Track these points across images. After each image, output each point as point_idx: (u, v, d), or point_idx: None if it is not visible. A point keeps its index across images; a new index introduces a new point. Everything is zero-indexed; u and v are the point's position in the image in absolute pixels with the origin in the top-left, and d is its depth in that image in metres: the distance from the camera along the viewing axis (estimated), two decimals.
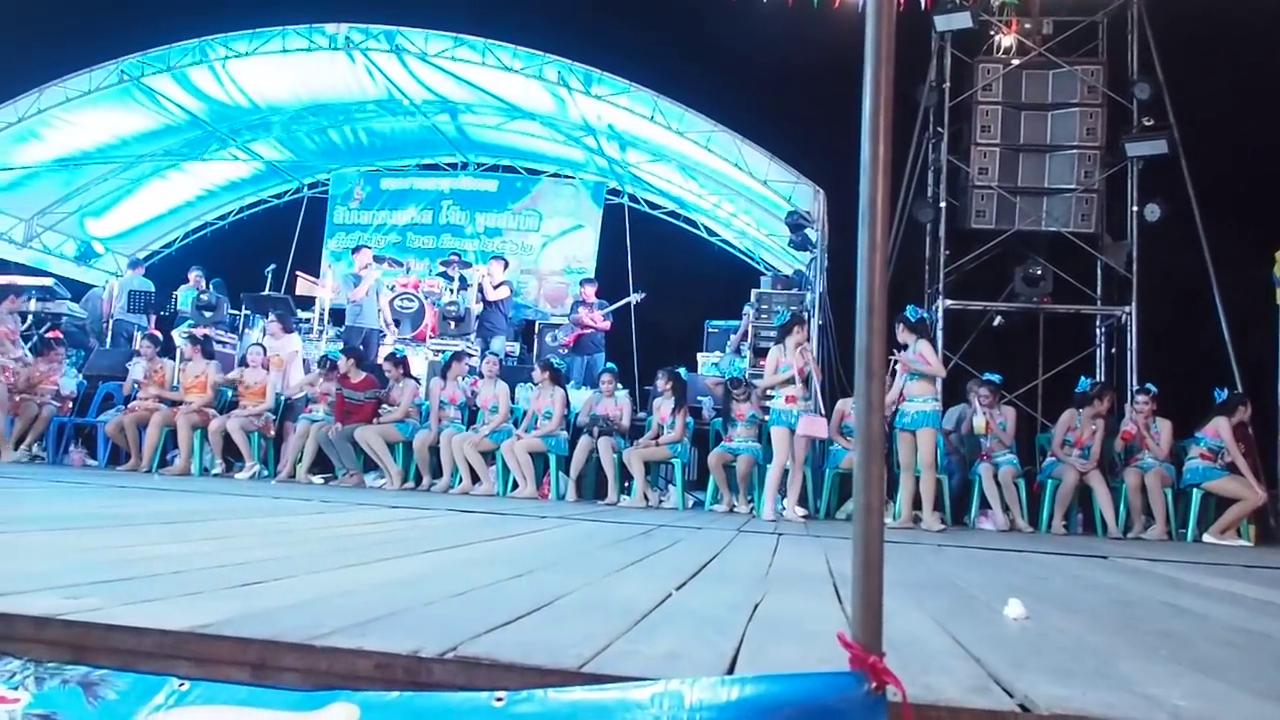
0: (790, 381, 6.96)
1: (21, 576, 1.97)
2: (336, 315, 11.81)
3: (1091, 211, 9.85)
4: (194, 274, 11.42)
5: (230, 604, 1.79)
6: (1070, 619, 2.50)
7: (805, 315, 7.52)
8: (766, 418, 8.60)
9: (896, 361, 6.87)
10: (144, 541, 2.92)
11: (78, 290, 12.07)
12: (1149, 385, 7.97)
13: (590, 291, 11.39)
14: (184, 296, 11.30)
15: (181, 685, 1.42)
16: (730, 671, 1.55)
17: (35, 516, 3.70)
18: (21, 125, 11.05)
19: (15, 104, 10.95)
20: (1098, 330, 10.57)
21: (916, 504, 6.97)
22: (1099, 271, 10.27)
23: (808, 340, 7.27)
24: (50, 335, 9.78)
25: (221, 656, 1.50)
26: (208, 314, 10.74)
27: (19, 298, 9.33)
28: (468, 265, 11.84)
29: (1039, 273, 9.71)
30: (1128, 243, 9.85)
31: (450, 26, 10.65)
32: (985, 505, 7.79)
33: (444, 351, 10.03)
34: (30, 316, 10.96)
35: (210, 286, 11.18)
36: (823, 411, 7.34)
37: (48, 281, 11.46)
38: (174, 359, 9.57)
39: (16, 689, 1.42)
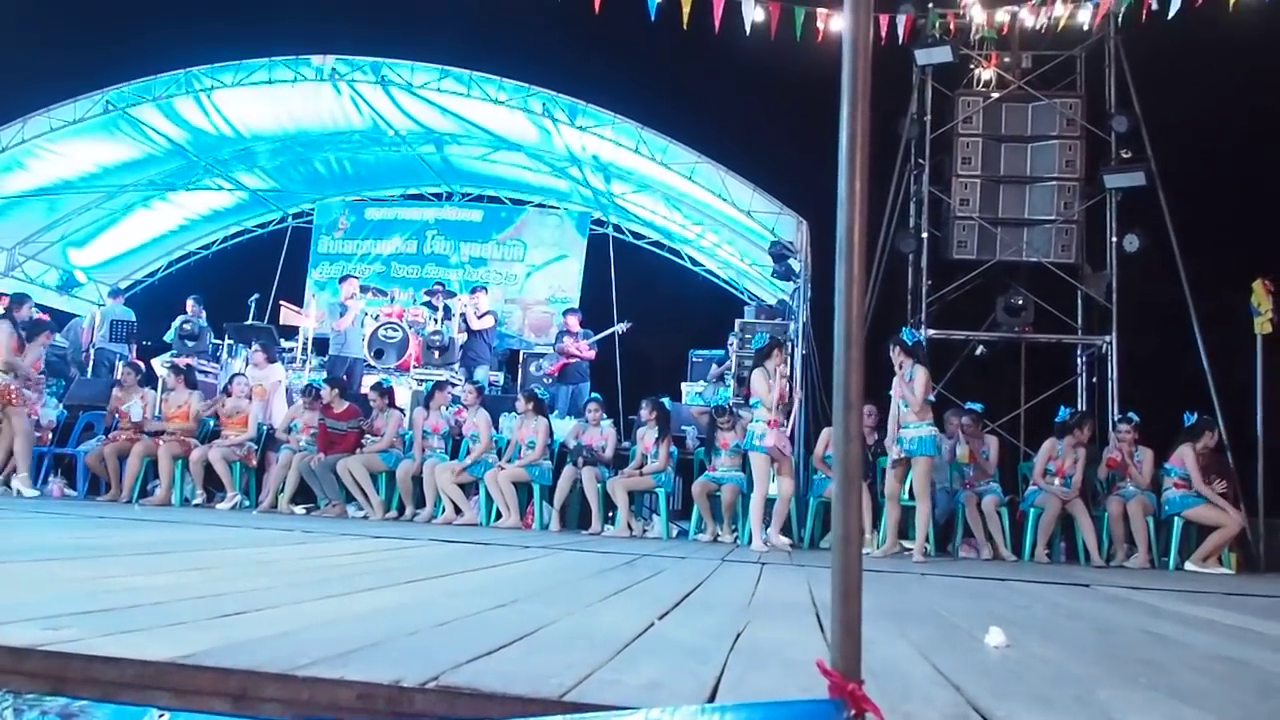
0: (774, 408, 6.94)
1: (0, 607, 1.95)
2: (320, 345, 11.79)
3: (1071, 242, 9.96)
4: (190, 303, 11.39)
5: (211, 634, 1.78)
6: (1051, 647, 2.51)
7: (783, 339, 7.48)
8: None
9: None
10: (124, 572, 2.90)
11: (60, 319, 12.00)
12: (1131, 415, 8.03)
13: (574, 321, 11.42)
14: (178, 325, 11.27)
15: (162, 716, 1.42)
16: (711, 700, 1.56)
17: (14, 547, 3.66)
18: (6, 154, 11.03)
19: (0, 133, 10.93)
20: (1079, 359, 10.64)
21: (903, 534, 6.98)
22: (1079, 301, 10.36)
23: (784, 364, 7.24)
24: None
25: (202, 687, 1.49)
26: (190, 343, 10.70)
27: (52, 333, 9.23)
28: (452, 295, 11.85)
29: (1020, 303, 9.79)
30: (1107, 273, 9.95)
31: (436, 59, 10.73)
32: (968, 534, 7.81)
33: (426, 381, 10.02)
34: None
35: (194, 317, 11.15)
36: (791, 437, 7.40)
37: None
38: (155, 388, 9.51)
39: None
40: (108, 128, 11.33)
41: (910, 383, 6.69)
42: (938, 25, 10.19)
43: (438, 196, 14.17)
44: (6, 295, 10.16)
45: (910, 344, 6.88)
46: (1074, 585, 5.07)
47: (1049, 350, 10.63)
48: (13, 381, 8.04)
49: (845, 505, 1.42)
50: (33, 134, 10.94)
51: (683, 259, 13.61)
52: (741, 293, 13.21)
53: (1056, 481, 7.73)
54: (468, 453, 8.56)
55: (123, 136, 11.60)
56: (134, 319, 11.62)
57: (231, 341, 11.34)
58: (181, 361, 9.89)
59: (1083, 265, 10.10)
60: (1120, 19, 9.82)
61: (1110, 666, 2.21)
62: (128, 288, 13.91)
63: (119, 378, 9.25)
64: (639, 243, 13.64)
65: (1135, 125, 9.91)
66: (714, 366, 11.04)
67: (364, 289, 11.70)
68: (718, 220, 11.74)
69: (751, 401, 7.29)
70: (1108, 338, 9.88)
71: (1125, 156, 9.93)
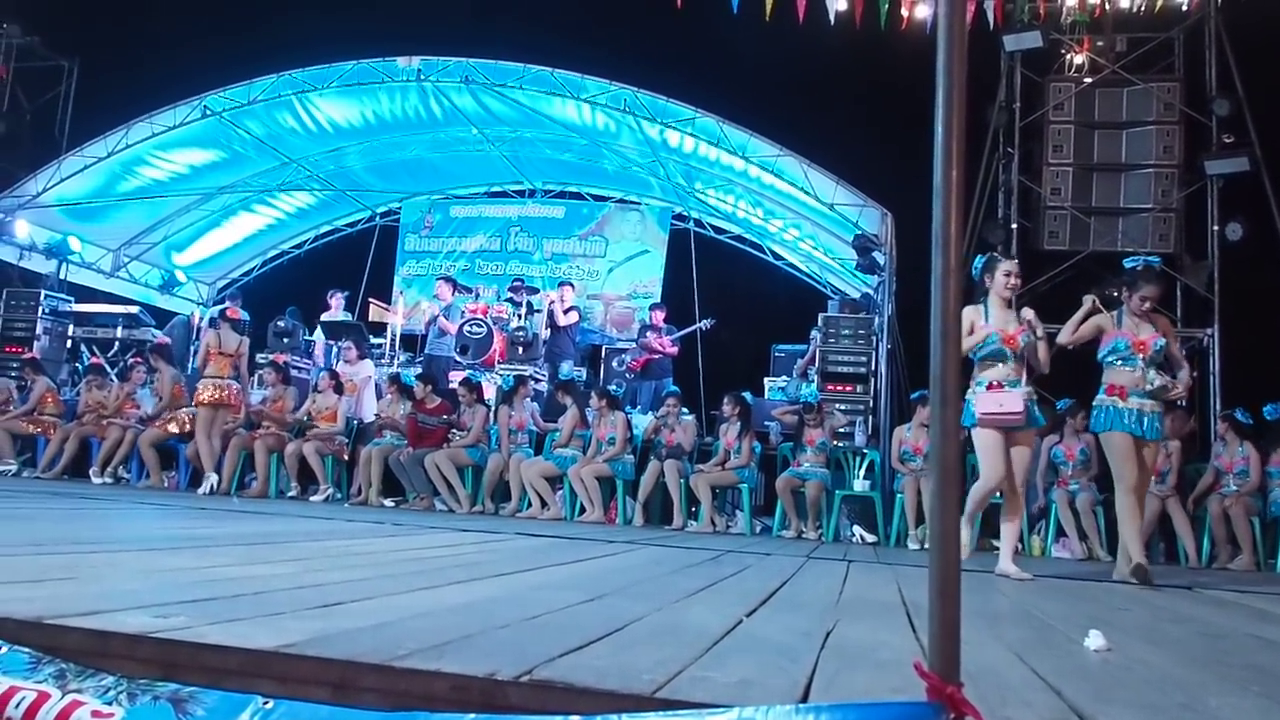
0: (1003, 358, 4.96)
1: (113, 595, 2.03)
2: (407, 341, 12.03)
3: (1170, 231, 9.64)
4: (335, 299, 11.75)
5: (311, 624, 1.83)
6: (1154, 651, 2.44)
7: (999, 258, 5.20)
8: (836, 443, 8.55)
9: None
10: (226, 562, 3.00)
11: (161, 318, 12.49)
12: (1236, 411, 7.72)
13: (659, 316, 11.43)
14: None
15: (266, 703, 1.45)
16: (804, 700, 1.54)
17: (122, 538, 3.82)
18: (111, 160, 11.49)
19: (105, 139, 11.39)
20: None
21: (993, 531, 6.84)
22: (1179, 293, 10.00)
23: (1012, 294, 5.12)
24: (133, 360, 10.09)
25: (304, 676, 1.53)
26: (285, 340, 11.02)
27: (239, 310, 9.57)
28: (534, 291, 11.97)
29: (1116, 295, 9.48)
30: (1208, 263, 9.60)
31: (518, 57, 10.84)
32: (1061, 533, 7.62)
33: (506, 376, 10.15)
34: (116, 344, 11.37)
35: (287, 314, 11.47)
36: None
37: (133, 309, 11.89)
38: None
39: (110, 704, 1.46)
40: (205, 132, 11.71)
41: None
42: (1027, 10, 9.94)
43: (520, 193, 14.31)
44: (231, 305, 10.47)
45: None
46: (1174, 587, 4.90)
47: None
48: (231, 385, 8.47)
49: (943, 503, 1.39)
50: (136, 139, 11.37)
51: (764, 253, 13.51)
52: (824, 286, 13.07)
53: (1152, 480, 7.49)
54: (552, 446, 8.66)
55: (220, 140, 11.98)
56: (247, 319, 12.03)
57: (323, 338, 11.64)
58: (279, 358, 10.17)
59: (1182, 255, 9.76)
60: None
61: (1219, 672, 2.13)
62: (224, 286, 14.40)
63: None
64: (720, 237, 13.59)
65: (1237, 109, 9.55)
66: (797, 361, 10.95)
67: (453, 287, 11.91)
68: (800, 214, 11.64)
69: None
70: (1209, 330, 9.53)
71: (1227, 141, 9.58)
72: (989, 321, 5.00)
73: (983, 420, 4.86)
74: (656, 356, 11.13)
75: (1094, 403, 5.11)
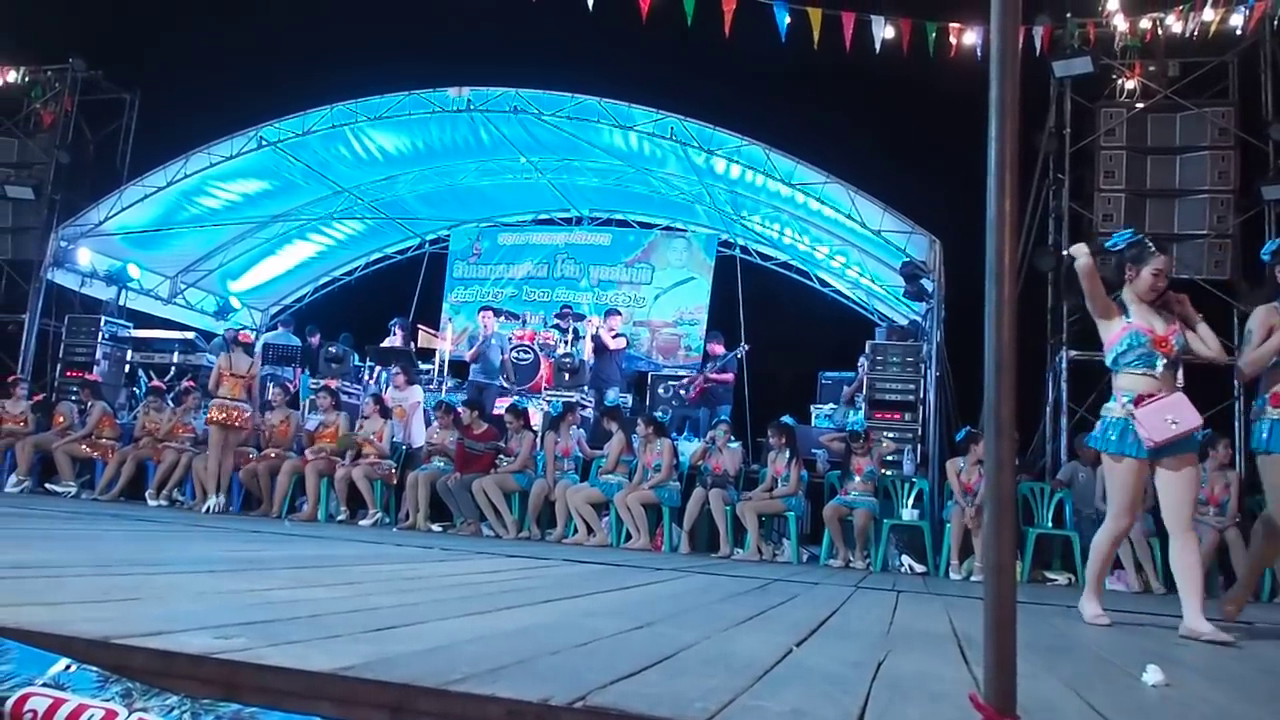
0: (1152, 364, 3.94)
1: (176, 616, 2.08)
2: (456, 367, 12.15)
3: (1226, 258, 9.47)
4: (398, 329, 11.96)
5: (366, 647, 1.86)
6: (1214, 688, 2.39)
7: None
8: (885, 471, 8.48)
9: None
10: (282, 585, 3.05)
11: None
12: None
13: (718, 348, 11.37)
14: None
15: None
16: None
17: (180, 559, 3.89)
18: (170, 189, 11.78)
19: (164, 169, 11.69)
20: (1235, 381, 10.07)
21: (1046, 563, 6.72)
22: (1235, 320, 9.80)
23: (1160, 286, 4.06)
24: (187, 384, 10.30)
25: (361, 699, 1.56)
26: (335, 365, 11.18)
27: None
28: (581, 317, 12.04)
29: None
30: (1266, 289, 9.40)
31: (566, 86, 10.97)
32: (1117, 565, 7.47)
33: (554, 402, 10.20)
34: (173, 369, 11.61)
35: (340, 340, 11.66)
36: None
37: (189, 335, 12.15)
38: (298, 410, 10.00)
39: None
40: (260, 161, 11.98)
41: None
42: (1077, 35, 9.86)
43: (567, 221, 14.44)
44: (244, 330, 10.76)
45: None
46: (1236, 623, 4.78)
47: (1202, 371, 10.05)
48: (242, 407, 8.81)
49: (998, 534, 1.39)
50: (194, 169, 11.65)
51: (811, 280, 13.48)
52: (871, 313, 13.00)
53: (1210, 510, 7.33)
54: (598, 473, 8.68)
55: (273, 169, 12.24)
56: (297, 343, 12.23)
57: (372, 364, 11.80)
58: (330, 383, 10.33)
59: (1239, 281, 9.58)
60: (1277, 22, 9.31)
61: None
62: (277, 313, 14.66)
63: (270, 399, 9.73)
64: (766, 264, 13.59)
65: None
66: (844, 389, 10.89)
67: (496, 313, 12.04)
68: (847, 240, 11.60)
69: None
70: None
71: None
72: (1131, 319, 3.97)
73: (1158, 447, 3.82)
74: (713, 384, 11.09)
75: (1105, 414, 4.04)
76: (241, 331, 9.71)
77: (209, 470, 8.75)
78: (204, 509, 8.58)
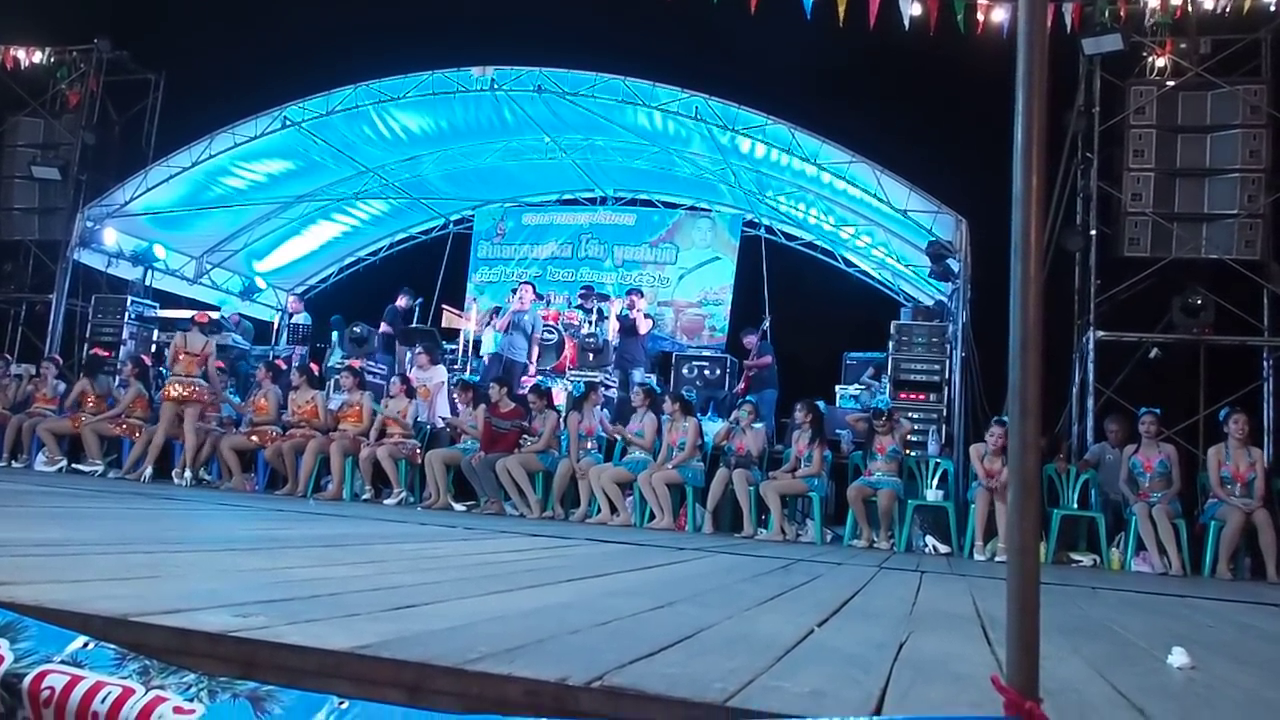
0: None
1: (195, 594, 2.09)
2: (480, 347, 12.17)
3: (1256, 237, 9.30)
4: (403, 298, 12.00)
5: (385, 626, 1.85)
6: (1242, 671, 2.35)
7: None
8: (909, 452, 8.43)
9: None
10: (303, 563, 3.06)
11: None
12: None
13: (752, 340, 11.26)
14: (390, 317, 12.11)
15: (341, 704, 1.47)
16: (877, 712, 1.52)
17: (203, 538, 3.92)
18: (195, 169, 11.84)
19: (189, 149, 11.74)
20: (1265, 363, 9.92)
21: (1071, 544, 6.66)
22: (1265, 300, 9.65)
23: None
24: (215, 365, 10.36)
25: (379, 677, 1.55)
26: (360, 346, 11.23)
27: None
28: (605, 297, 12.00)
29: (1199, 302, 9.21)
30: None
31: (590, 65, 10.90)
32: (1141, 546, 7.39)
33: (576, 383, 10.19)
34: None
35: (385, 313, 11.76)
36: None
37: (215, 315, 12.22)
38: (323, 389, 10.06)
39: (191, 701, 1.50)
40: (284, 141, 12.00)
41: None
42: (1107, 12, 9.67)
43: (591, 201, 14.39)
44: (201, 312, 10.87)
45: None
46: (1263, 604, 4.72)
47: (1231, 353, 9.93)
48: (198, 383, 9.12)
49: (1021, 515, 1.36)
50: (219, 149, 11.70)
51: (836, 260, 13.38)
52: (897, 293, 12.89)
53: (1237, 489, 7.23)
54: (622, 454, 8.68)
55: (297, 149, 12.27)
56: (309, 323, 12.28)
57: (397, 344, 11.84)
58: (354, 363, 10.38)
59: (1270, 262, 9.41)
60: None
61: None
62: (303, 293, 14.73)
63: (291, 379, 9.78)
64: (791, 244, 13.49)
65: None
66: (869, 369, 10.81)
67: (537, 292, 12.01)
68: (872, 220, 11.50)
69: None
70: None
71: None
72: None
73: None
74: (754, 371, 11.00)
75: None
76: (199, 314, 9.94)
77: (155, 442, 9.14)
78: (135, 474, 9.07)
